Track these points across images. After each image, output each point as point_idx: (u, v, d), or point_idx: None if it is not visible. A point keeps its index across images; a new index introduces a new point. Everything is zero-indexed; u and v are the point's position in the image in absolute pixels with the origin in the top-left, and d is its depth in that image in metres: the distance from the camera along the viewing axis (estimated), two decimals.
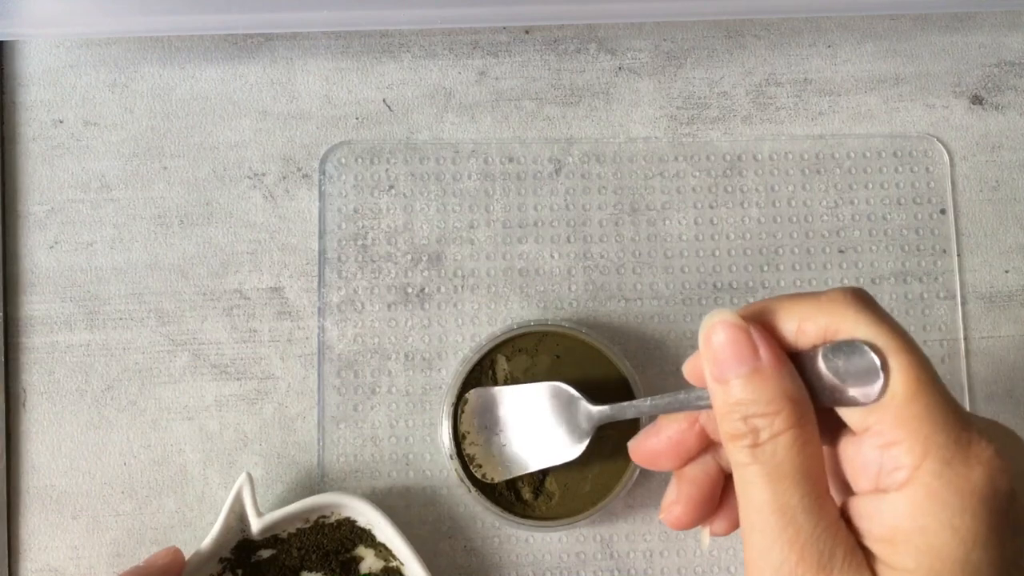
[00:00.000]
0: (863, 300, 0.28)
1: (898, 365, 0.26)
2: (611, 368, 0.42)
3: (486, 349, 0.42)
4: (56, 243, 0.44)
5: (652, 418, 0.38)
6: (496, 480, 0.41)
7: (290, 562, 0.41)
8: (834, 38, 0.47)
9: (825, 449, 0.30)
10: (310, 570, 0.41)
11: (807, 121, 0.46)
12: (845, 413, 0.28)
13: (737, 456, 0.28)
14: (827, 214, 0.45)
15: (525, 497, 0.41)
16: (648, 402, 0.34)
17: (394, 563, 0.41)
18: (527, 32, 0.47)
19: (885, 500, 0.27)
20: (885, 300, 0.45)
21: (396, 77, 0.46)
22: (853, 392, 0.27)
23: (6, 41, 0.46)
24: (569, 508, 0.41)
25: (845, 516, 0.28)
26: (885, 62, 0.47)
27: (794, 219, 0.45)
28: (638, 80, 0.46)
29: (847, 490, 0.29)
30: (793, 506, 0.27)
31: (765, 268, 0.45)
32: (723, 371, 0.28)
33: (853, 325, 0.27)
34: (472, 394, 0.41)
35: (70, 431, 0.43)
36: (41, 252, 0.44)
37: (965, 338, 0.45)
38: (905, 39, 0.47)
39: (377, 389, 0.44)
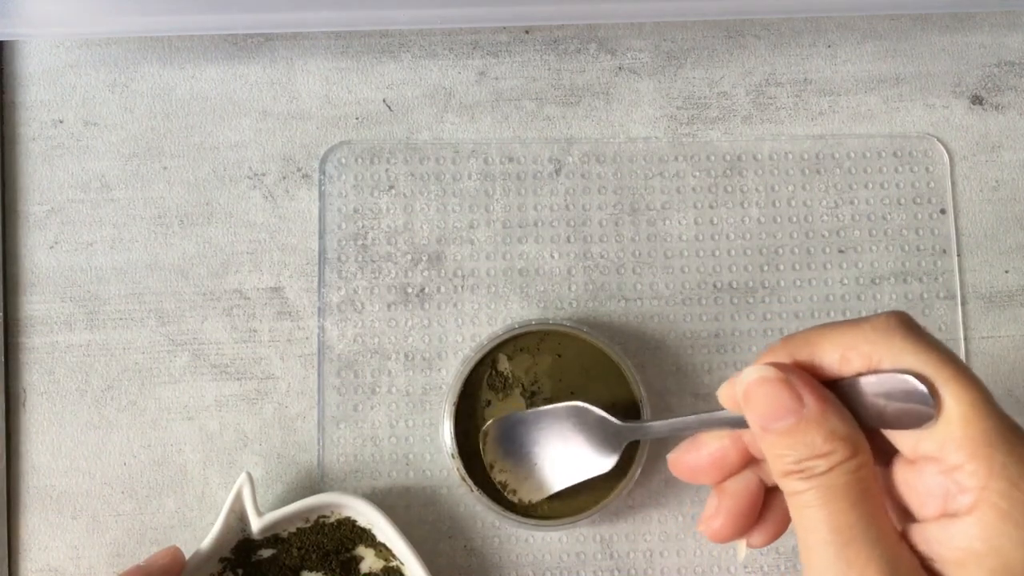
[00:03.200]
0: (907, 326, 0.28)
1: (950, 392, 0.26)
2: (612, 368, 0.42)
3: (488, 348, 0.42)
4: (56, 243, 0.44)
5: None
6: (534, 501, 0.40)
7: (290, 562, 0.41)
8: (834, 38, 0.47)
9: (880, 472, 0.29)
10: (310, 570, 0.41)
11: (807, 121, 0.46)
12: (896, 438, 0.28)
13: (792, 486, 0.28)
14: (827, 214, 0.45)
15: None
16: (679, 421, 0.34)
17: (394, 563, 0.41)
18: (527, 32, 0.47)
19: (955, 524, 0.26)
20: (885, 300, 0.45)
21: (396, 77, 0.46)
22: (902, 419, 0.27)
23: (6, 41, 0.45)
24: (569, 508, 0.41)
25: (908, 543, 0.27)
26: (885, 62, 0.47)
27: (794, 219, 0.45)
28: (638, 80, 0.46)
29: (906, 516, 0.29)
30: (851, 525, 0.27)
31: (765, 268, 0.45)
32: (768, 423, 0.28)
33: (898, 354, 0.27)
34: (491, 425, 0.40)
35: (70, 431, 0.43)
36: (41, 252, 0.44)
37: (965, 338, 0.45)
38: (905, 39, 0.47)
39: (377, 389, 0.44)
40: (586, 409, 0.39)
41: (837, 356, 0.28)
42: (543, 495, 0.40)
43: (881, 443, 0.29)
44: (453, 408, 0.41)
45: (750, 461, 0.33)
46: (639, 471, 0.41)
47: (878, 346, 0.28)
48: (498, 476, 0.40)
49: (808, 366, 0.29)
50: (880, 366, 0.28)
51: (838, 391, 0.28)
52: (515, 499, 0.40)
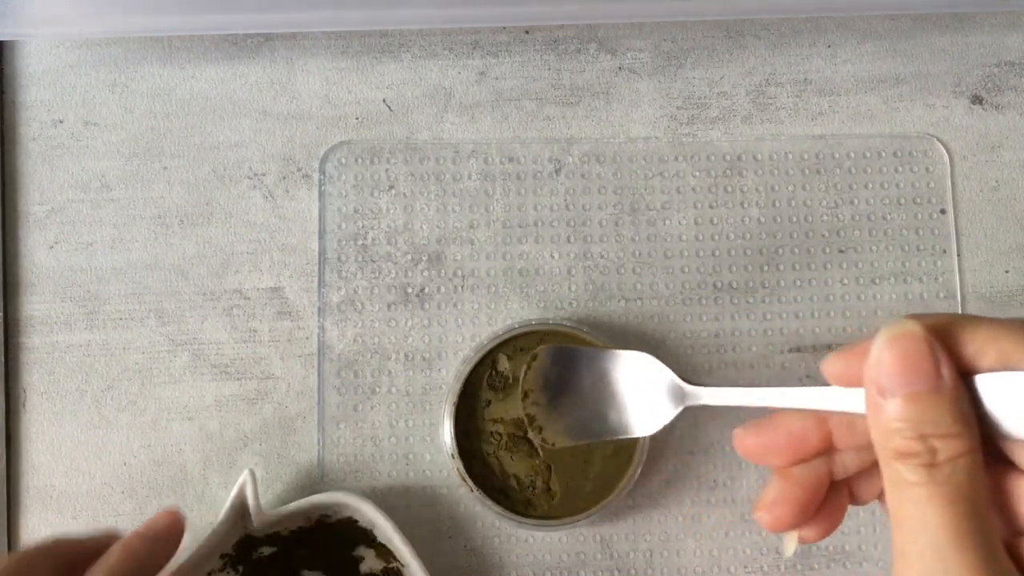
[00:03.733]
0: None
1: None
2: None
3: (488, 348, 0.42)
4: (56, 243, 0.44)
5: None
6: (556, 445, 0.36)
7: (291, 560, 0.41)
8: (834, 38, 0.47)
9: None
10: (310, 569, 0.41)
11: (807, 121, 0.46)
12: (1013, 448, 0.27)
13: (905, 474, 0.26)
14: (827, 214, 0.45)
15: (525, 496, 0.41)
16: (761, 392, 0.31)
17: (394, 564, 0.41)
18: (527, 32, 0.47)
19: None
20: (885, 300, 0.45)
21: (396, 77, 0.46)
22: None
23: (6, 41, 0.46)
24: (569, 508, 0.41)
25: (1014, 555, 0.26)
26: (885, 62, 0.47)
27: (794, 219, 0.45)
28: (638, 80, 0.46)
29: (1007, 528, 0.28)
30: (972, 531, 0.25)
31: (765, 268, 0.45)
32: (896, 384, 0.26)
33: None
34: (542, 350, 0.36)
35: (70, 431, 0.43)
36: (41, 252, 0.44)
37: None
38: (905, 39, 0.47)
39: (377, 389, 0.44)
40: (652, 362, 0.34)
41: (975, 348, 0.26)
42: (568, 442, 0.36)
43: (989, 453, 0.27)
44: (453, 408, 0.41)
45: (828, 449, 0.31)
46: (639, 471, 0.41)
47: (1020, 346, 0.26)
48: (529, 408, 0.36)
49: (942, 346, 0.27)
50: (1017, 367, 0.26)
51: None
52: (538, 438, 0.36)
